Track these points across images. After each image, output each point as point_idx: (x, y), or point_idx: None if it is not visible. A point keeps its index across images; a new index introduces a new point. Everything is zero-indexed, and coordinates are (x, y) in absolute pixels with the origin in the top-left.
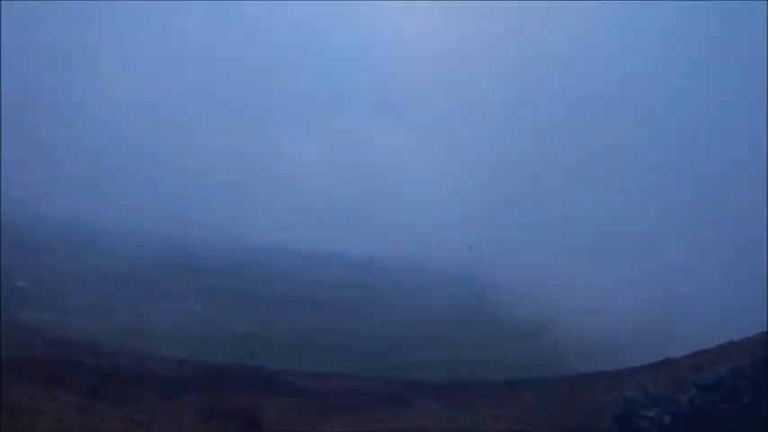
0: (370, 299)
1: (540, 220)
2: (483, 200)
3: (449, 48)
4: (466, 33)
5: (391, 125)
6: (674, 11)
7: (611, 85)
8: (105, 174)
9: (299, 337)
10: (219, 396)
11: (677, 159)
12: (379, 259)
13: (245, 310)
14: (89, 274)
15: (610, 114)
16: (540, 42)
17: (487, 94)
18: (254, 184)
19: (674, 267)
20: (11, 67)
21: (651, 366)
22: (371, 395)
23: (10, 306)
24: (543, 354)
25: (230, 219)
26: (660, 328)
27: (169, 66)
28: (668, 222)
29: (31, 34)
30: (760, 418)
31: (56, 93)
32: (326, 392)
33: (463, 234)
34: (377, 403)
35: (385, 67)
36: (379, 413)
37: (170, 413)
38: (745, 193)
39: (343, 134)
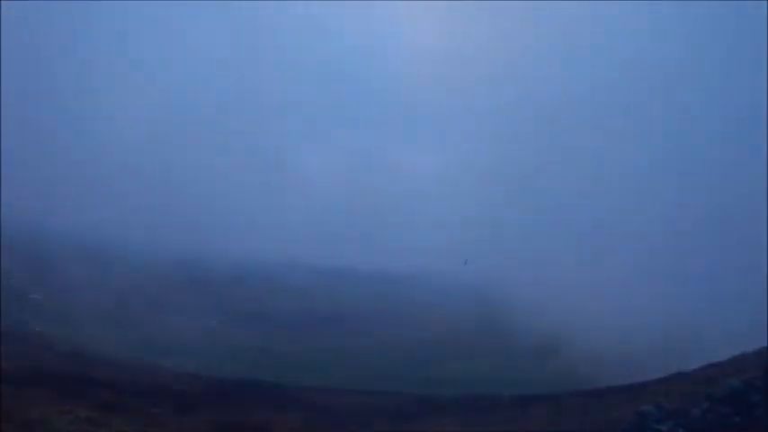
0: (383, 314)
1: (554, 234)
2: (496, 214)
3: (463, 57)
4: (479, 41)
5: (403, 138)
6: (675, 11)
7: (624, 89)
8: (116, 186)
9: (312, 353)
10: (232, 411)
11: (690, 168)
12: (391, 274)
13: (257, 324)
14: (101, 288)
15: (625, 122)
16: (553, 51)
17: (505, 107)
18: (265, 197)
19: (687, 280)
20: (20, 76)
21: (664, 380)
22: (384, 411)
23: (24, 318)
24: (556, 369)
25: (242, 233)
26: (673, 340)
27: (180, 76)
28: (681, 235)
29: (38, 41)
30: None
31: (67, 105)
32: (339, 408)
33: (476, 248)
34: (389, 419)
35: (397, 79)
36: (391, 429)
37: (182, 427)
38: (763, 206)
39: (354, 147)
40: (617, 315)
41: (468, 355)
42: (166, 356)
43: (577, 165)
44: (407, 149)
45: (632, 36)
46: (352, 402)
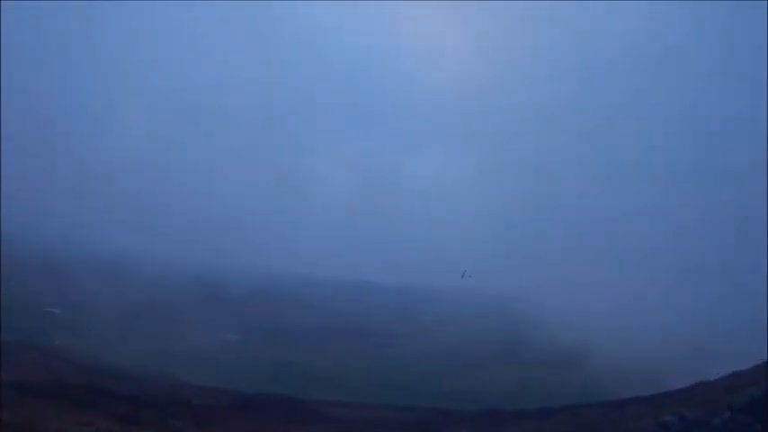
0: (403, 327)
1: (573, 248)
2: (517, 228)
3: (482, 69)
4: (499, 53)
5: (423, 152)
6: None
7: (644, 97)
8: (134, 202)
9: (332, 366)
10: (253, 424)
11: (710, 179)
12: (411, 287)
13: (277, 338)
14: (121, 302)
15: (647, 132)
16: (574, 62)
17: (523, 118)
18: (284, 212)
19: (709, 290)
20: (36, 92)
21: (686, 389)
22: (404, 425)
23: (42, 332)
24: (579, 380)
25: (262, 248)
26: (695, 349)
27: (199, 93)
28: (703, 247)
29: (52, 54)
30: None
31: (83, 120)
32: (360, 422)
33: (497, 261)
34: None
35: (418, 92)
36: None
37: None
38: None
39: (373, 161)
40: (638, 326)
41: (489, 367)
42: (187, 370)
43: (598, 180)
44: (428, 163)
45: (649, 39)
46: (373, 416)
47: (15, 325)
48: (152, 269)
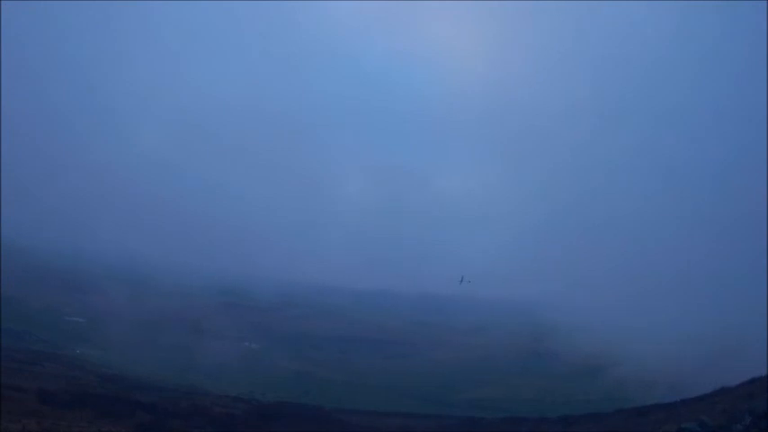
0: (425, 337)
1: (595, 256)
2: (540, 236)
3: (510, 78)
4: (526, 62)
5: (444, 161)
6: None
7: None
8: (157, 212)
9: (354, 376)
10: None
11: (737, 187)
12: (433, 296)
13: (299, 348)
14: (143, 312)
15: (668, 141)
16: (604, 71)
17: (549, 126)
18: (306, 222)
19: (729, 296)
20: (52, 108)
21: (707, 396)
22: None
23: (65, 341)
24: (601, 389)
25: (284, 258)
26: (716, 356)
27: (221, 102)
28: (725, 255)
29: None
30: None
31: (105, 132)
32: (381, 430)
33: (519, 270)
34: None
35: (438, 101)
36: None
37: None
38: None
39: (395, 171)
40: (660, 333)
41: (511, 377)
42: (208, 380)
43: (623, 188)
44: (449, 172)
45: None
46: (394, 425)
47: (39, 334)
48: (175, 279)
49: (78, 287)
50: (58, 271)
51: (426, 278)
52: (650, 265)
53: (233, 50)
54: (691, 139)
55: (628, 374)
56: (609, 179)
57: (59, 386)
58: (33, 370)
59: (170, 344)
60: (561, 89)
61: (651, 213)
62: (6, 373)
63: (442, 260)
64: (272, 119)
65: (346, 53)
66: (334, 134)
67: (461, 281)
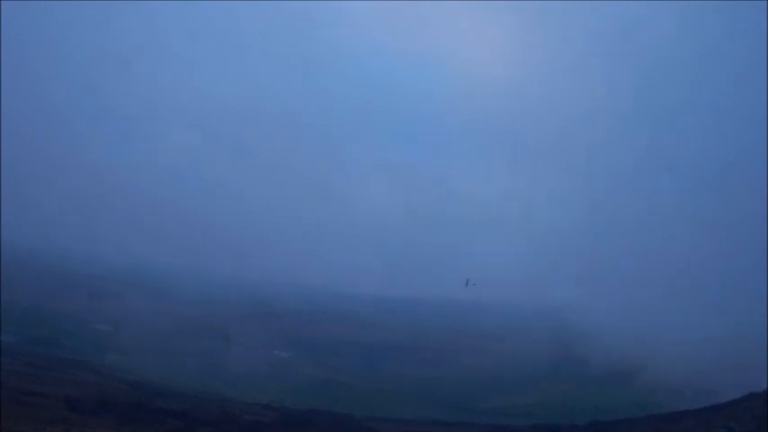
0: (452, 344)
1: (623, 261)
2: (568, 240)
3: (526, 79)
4: (542, 63)
5: (471, 164)
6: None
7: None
8: (184, 221)
9: (382, 383)
10: None
11: (756, 193)
12: (461, 303)
13: (328, 356)
14: (168, 319)
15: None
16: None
17: (572, 127)
18: (334, 230)
19: (755, 298)
20: (68, 114)
21: (736, 401)
22: None
23: (92, 349)
24: (629, 394)
25: (312, 266)
26: (745, 361)
27: (242, 110)
28: (752, 260)
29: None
30: None
31: (125, 138)
32: None
33: (548, 275)
34: None
35: (463, 105)
36: None
37: None
38: None
39: (422, 177)
40: (687, 336)
41: (541, 383)
42: (236, 387)
43: (645, 191)
44: (470, 175)
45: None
46: None
47: (66, 342)
48: (198, 287)
49: (103, 294)
50: (82, 278)
51: (452, 283)
52: (676, 266)
53: (242, 52)
54: (715, 140)
55: (656, 379)
56: (630, 180)
57: (87, 393)
58: (60, 377)
59: (196, 351)
60: (579, 90)
61: (675, 214)
62: (33, 380)
63: (466, 265)
64: (289, 123)
65: (358, 54)
66: (352, 139)
67: (467, 283)
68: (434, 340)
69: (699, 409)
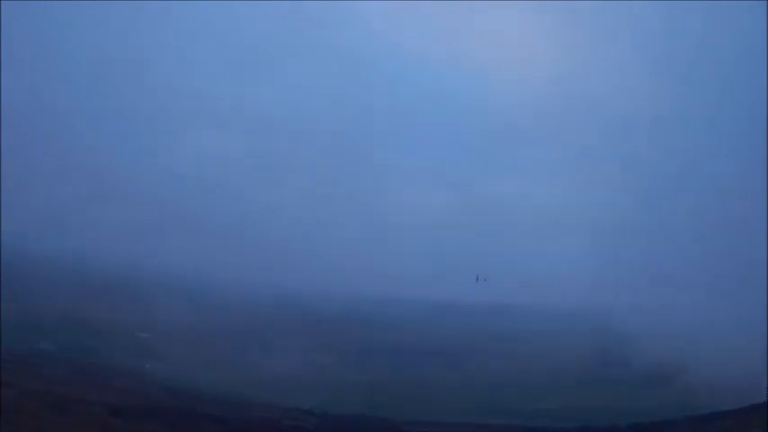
0: (494, 348)
1: (664, 262)
2: (607, 241)
3: (574, 78)
4: (591, 62)
5: (511, 168)
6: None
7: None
8: (223, 228)
9: (423, 387)
10: None
11: None
12: (503, 307)
13: (366, 360)
14: (209, 326)
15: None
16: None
17: (618, 128)
18: (373, 234)
19: None
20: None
21: None
22: None
23: (134, 356)
24: (671, 396)
25: (352, 270)
26: None
27: (280, 114)
28: None
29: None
30: None
31: (157, 141)
32: None
33: (589, 278)
34: None
35: (508, 108)
36: None
37: None
38: None
39: (460, 179)
40: (728, 338)
41: (581, 386)
42: (277, 393)
43: (690, 191)
44: (516, 180)
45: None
46: None
47: (105, 349)
48: (238, 293)
49: (143, 301)
50: (121, 285)
51: (494, 287)
52: (719, 267)
53: (276, 58)
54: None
55: (696, 379)
56: (674, 182)
57: (129, 400)
58: (103, 384)
59: (237, 357)
60: (629, 89)
61: (722, 216)
62: (75, 387)
63: (510, 269)
64: (335, 137)
65: (397, 59)
66: (397, 142)
67: (477, 279)
68: (476, 344)
69: (738, 409)
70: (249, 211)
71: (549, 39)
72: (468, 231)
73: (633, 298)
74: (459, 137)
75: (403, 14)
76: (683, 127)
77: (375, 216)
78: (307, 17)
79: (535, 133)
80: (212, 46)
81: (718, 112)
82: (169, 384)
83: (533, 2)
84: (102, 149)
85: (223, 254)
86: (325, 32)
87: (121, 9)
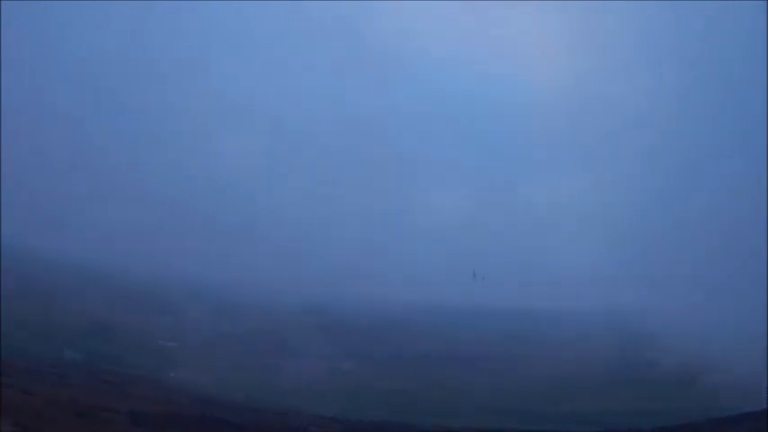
0: (520, 352)
1: (694, 264)
2: (634, 242)
3: (593, 78)
4: (609, 60)
5: (531, 168)
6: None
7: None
8: (249, 233)
9: (449, 394)
10: None
11: None
12: (529, 311)
13: (392, 367)
14: (233, 333)
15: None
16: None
17: (642, 128)
18: (397, 239)
19: None
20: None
21: None
22: None
23: (158, 365)
24: (695, 397)
25: (376, 275)
26: None
27: (303, 116)
28: None
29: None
30: None
31: (184, 149)
32: None
33: (611, 279)
34: None
35: (534, 108)
36: None
37: None
38: None
39: (488, 184)
40: (752, 338)
41: (607, 387)
42: (302, 400)
43: (711, 189)
44: (539, 183)
45: None
46: None
47: (130, 358)
48: (263, 300)
49: (167, 309)
50: (148, 296)
51: (520, 291)
52: (745, 265)
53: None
54: None
55: (722, 380)
56: (698, 181)
57: (152, 408)
58: (126, 392)
59: (262, 364)
60: (648, 87)
61: (748, 216)
62: (99, 395)
63: (536, 273)
64: (359, 141)
65: (416, 60)
66: (424, 147)
67: (474, 276)
68: (502, 349)
69: (760, 410)
70: (271, 215)
71: (570, 40)
72: (494, 236)
73: (656, 299)
74: (481, 137)
75: (421, 15)
76: (701, 126)
77: (399, 217)
78: (323, 17)
79: (555, 134)
80: (223, 45)
81: (740, 110)
82: (193, 392)
83: (555, 2)
84: (111, 150)
85: (244, 258)
86: (344, 33)
87: (125, 8)
